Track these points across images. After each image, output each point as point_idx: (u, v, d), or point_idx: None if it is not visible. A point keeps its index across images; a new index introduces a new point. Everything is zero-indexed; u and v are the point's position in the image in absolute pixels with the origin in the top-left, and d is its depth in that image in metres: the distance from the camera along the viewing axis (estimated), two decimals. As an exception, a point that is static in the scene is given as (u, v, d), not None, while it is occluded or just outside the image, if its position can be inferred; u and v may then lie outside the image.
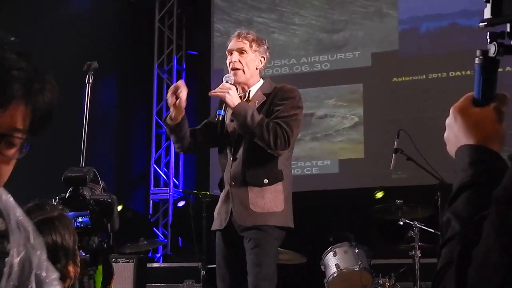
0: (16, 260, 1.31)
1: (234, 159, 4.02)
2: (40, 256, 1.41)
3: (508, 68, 7.01)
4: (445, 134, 1.35)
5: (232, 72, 4.07)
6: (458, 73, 7.33)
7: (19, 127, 1.21)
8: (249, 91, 4.12)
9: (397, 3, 7.84)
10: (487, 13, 1.28)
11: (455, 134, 1.32)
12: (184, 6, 9.25)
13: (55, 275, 1.46)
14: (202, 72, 8.68)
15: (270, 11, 8.45)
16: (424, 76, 7.58)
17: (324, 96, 8.00)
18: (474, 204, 1.20)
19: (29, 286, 1.34)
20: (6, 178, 1.27)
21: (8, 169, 1.26)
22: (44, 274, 1.41)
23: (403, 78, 7.68)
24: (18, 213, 1.38)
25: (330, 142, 7.92)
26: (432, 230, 5.72)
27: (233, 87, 3.97)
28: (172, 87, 3.93)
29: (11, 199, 1.38)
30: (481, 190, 1.22)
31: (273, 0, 8.45)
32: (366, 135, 7.74)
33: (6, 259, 1.29)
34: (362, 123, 7.78)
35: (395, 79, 7.71)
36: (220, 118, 3.98)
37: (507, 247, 1.06)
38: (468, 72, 7.14)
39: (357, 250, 5.80)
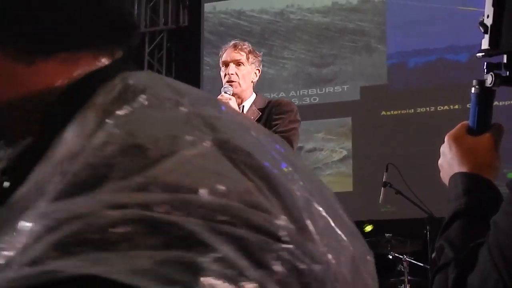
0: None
1: None
2: None
3: (496, 103, 7.04)
4: (439, 161, 1.35)
5: (227, 84, 3.85)
6: (446, 107, 7.37)
7: None
8: (243, 106, 3.90)
9: (385, 38, 7.91)
10: (485, 44, 1.29)
11: (448, 162, 1.32)
12: (174, 39, 9.29)
13: None
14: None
15: (259, 45, 8.47)
16: (412, 110, 7.62)
17: (313, 129, 8.01)
18: (467, 232, 1.20)
19: None
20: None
21: None
22: None
23: (392, 112, 7.71)
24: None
25: (319, 175, 7.90)
26: (422, 264, 5.70)
27: (233, 98, 3.78)
28: None
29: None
30: (475, 218, 1.22)
31: (262, 34, 8.50)
32: (354, 169, 7.74)
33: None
34: (351, 156, 7.79)
35: (383, 112, 7.74)
36: None
37: (503, 273, 1.06)
38: (456, 106, 7.18)
39: (346, 284, 5.77)
